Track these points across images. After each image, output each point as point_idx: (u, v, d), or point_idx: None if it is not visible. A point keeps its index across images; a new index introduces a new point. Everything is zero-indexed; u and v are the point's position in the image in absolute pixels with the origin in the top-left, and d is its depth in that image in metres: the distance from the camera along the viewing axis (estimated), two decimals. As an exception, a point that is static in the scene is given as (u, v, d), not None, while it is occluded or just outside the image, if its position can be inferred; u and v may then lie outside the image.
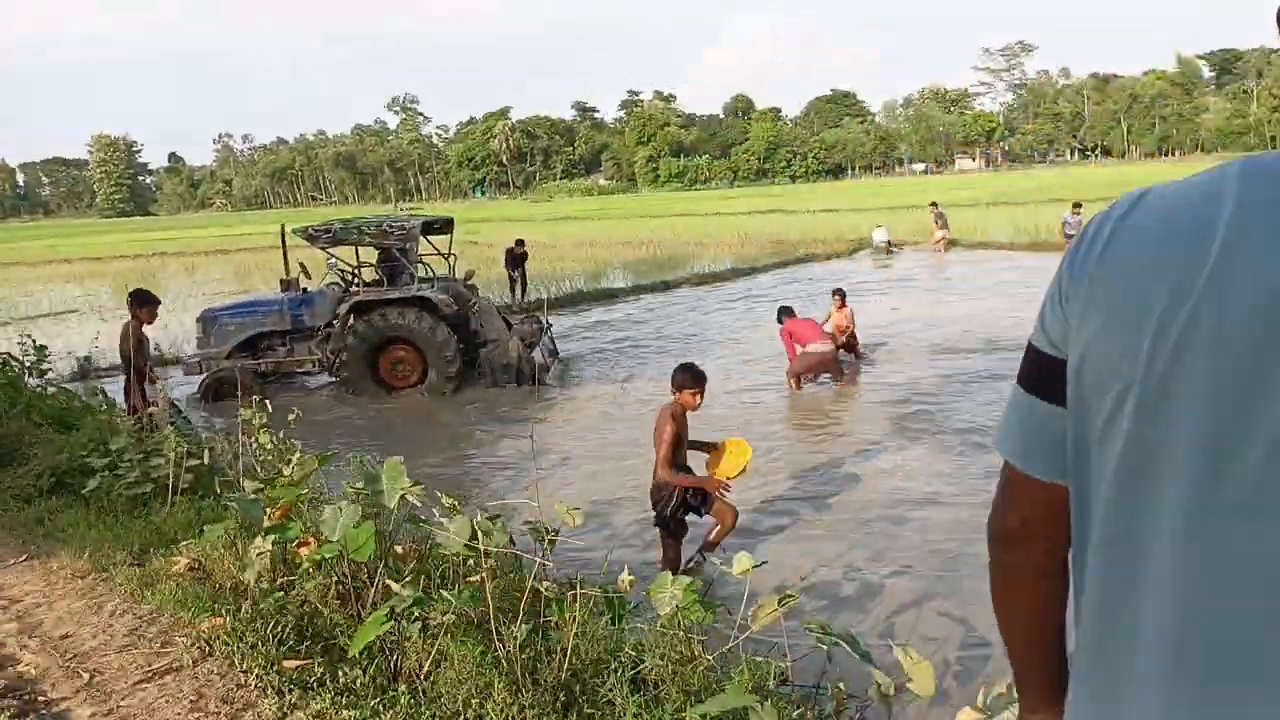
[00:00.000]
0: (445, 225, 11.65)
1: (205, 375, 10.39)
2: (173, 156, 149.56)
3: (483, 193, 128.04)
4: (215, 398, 9.96)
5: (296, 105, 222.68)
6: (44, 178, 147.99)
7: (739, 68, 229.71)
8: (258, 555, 3.63)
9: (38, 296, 22.83)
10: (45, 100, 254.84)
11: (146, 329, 6.69)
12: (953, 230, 25.36)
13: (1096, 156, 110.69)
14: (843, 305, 10.43)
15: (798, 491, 6.35)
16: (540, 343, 11.04)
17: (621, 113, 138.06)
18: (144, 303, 6.64)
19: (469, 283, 11.51)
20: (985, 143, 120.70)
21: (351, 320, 10.09)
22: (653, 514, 4.95)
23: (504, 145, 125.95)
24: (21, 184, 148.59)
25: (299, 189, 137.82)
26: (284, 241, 11.11)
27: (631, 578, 3.32)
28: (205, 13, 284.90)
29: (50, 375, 8.75)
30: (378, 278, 10.45)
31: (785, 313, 9.81)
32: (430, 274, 11.10)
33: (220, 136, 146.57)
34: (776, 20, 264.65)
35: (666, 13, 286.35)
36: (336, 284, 10.93)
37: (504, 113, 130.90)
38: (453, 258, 11.71)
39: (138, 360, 6.45)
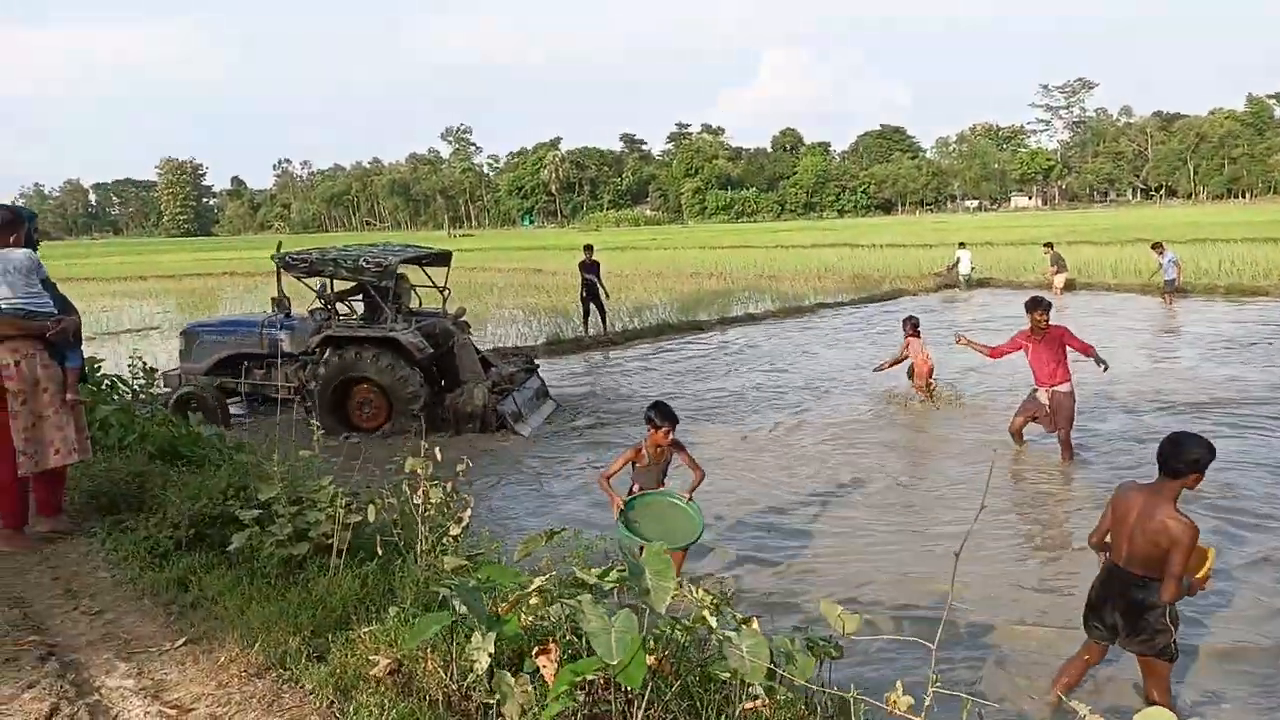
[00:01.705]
0: (442, 258, 11.28)
1: (176, 389, 10.21)
2: (235, 180, 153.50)
3: (531, 221, 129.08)
4: (180, 412, 9.43)
5: (356, 134, 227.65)
6: (114, 197, 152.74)
7: (787, 101, 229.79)
8: (478, 663, 2.89)
9: (116, 313, 22.84)
10: (118, 124, 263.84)
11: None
12: (1031, 266, 24.44)
13: (1161, 197, 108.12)
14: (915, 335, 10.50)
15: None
16: (520, 389, 10.47)
17: (669, 145, 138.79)
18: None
19: (460, 319, 11.06)
20: (1043, 181, 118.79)
21: (321, 354, 9.82)
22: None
23: (553, 175, 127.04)
24: (94, 203, 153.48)
25: (354, 214, 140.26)
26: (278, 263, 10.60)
27: (908, 699, 2.52)
28: (270, 46, 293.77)
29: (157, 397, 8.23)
30: (360, 311, 10.26)
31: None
32: (419, 306, 11.01)
33: (280, 162, 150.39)
34: (825, 55, 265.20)
35: (714, 46, 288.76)
36: (320, 311, 10.49)
37: (554, 143, 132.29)
38: (447, 291, 11.32)
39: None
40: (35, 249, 4.70)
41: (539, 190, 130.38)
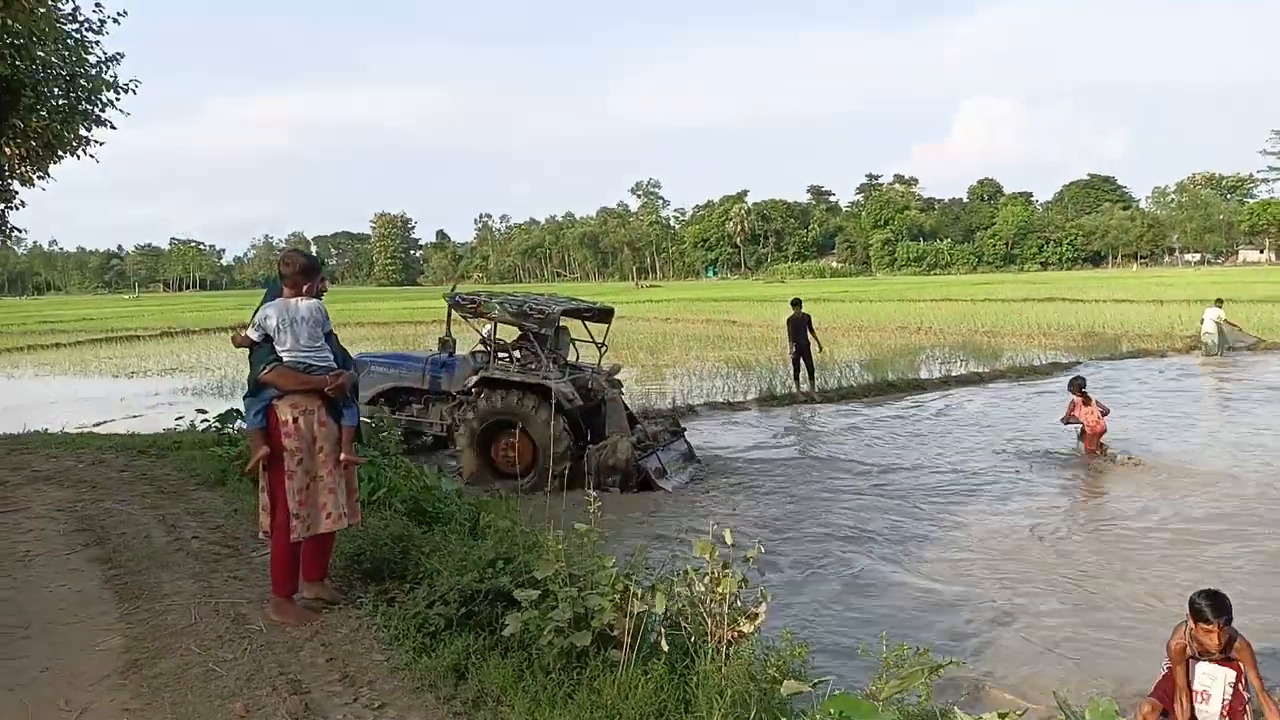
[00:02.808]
0: (603, 314, 11.15)
1: None
2: (440, 234, 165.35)
3: (714, 272, 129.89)
4: None
5: (551, 189, 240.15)
6: (332, 249, 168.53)
7: (985, 153, 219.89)
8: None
9: (340, 358, 24.30)
10: (339, 181, 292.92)
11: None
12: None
13: None
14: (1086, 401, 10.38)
15: None
16: (665, 448, 10.22)
17: (858, 196, 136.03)
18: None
19: (613, 376, 10.88)
20: (1277, 234, 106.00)
21: (476, 395, 9.88)
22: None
23: (739, 227, 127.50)
24: (315, 254, 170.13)
25: (546, 265, 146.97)
26: (449, 302, 10.79)
27: None
28: (477, 106, 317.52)
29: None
30: (520, 357, 10.33)
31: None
32: (576, 360, 11.08)
33: (481, 216, 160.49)
34: (1030, 104, 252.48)
35: (907, 95, 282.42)
36: (480, 353, 10.63)
37: (740, 196, 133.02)
38: (605, 348, 11.12)
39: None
40: (320, 298, 4.54)
41: (723, 242, 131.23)
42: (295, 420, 4.11)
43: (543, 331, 9.87)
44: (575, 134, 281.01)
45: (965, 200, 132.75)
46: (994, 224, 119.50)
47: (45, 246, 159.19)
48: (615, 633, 3.93)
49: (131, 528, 5.62)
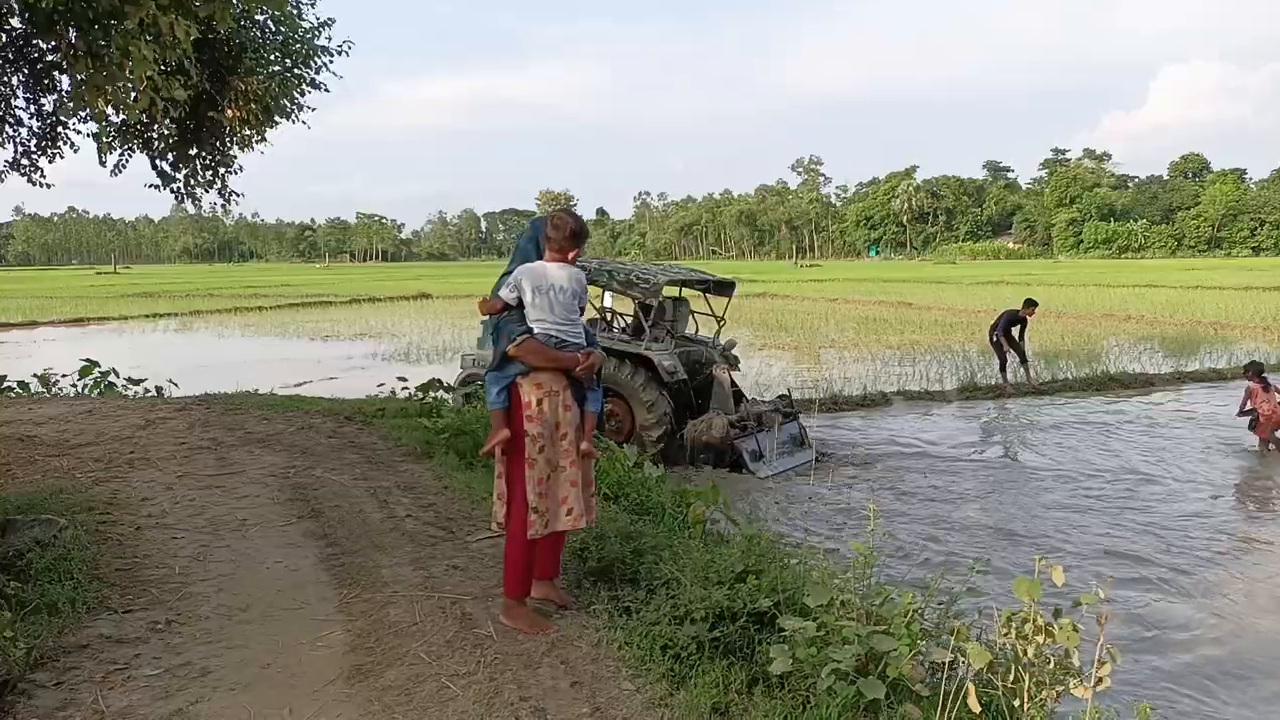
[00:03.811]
0: (722, 288, 10.95)
1: (465, 371, 10.74)
2: (600, 211, 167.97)
3: (876, 252, 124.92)
4: (463, 392, 9.69)
5: (710, 167, 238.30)
6: (500, 225, 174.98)
7: (1188, 125, 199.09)
8: None
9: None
10: (506, 159, 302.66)
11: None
12: None
13: None
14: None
15: None
16: (769, 430, 9.70)
17: (1042, 172, 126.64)
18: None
19: (728, 351, 10.72)
20: None
21: None
22: None
23: (906, 205, 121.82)
24: (484, 229, 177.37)
25: (702, 242, 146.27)
26: None
27: None
28: (641, 83, 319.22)
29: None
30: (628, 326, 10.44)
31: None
32: (695, 333, 10.98)
33: (640, 194, 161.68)
34: (1245, 69, 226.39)
35: (1097, 60, 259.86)
36: (599, 323, 10.78)
37: (909, 172, 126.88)
38: (723, 322, 10.99)
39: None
40: None
41: (888, 220, 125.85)
42: (540, 402, 3.58)
43: (648, 302, 9.79)
44: (734, 109, 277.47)
45: (1165, 177, 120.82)
46: (1198, 204, 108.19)
47: (249, 218, 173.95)
48: (915, 686, 3.20)
49: (345, 501, 5.38)
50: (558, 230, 3.65)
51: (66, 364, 11.30)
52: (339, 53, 7.73)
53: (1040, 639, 3.11)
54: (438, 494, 5.58)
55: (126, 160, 7.86)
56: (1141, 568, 6.28)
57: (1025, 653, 3.14)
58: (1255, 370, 10.15)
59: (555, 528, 3.68)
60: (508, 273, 3.75)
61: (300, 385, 15.17)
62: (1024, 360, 14.21)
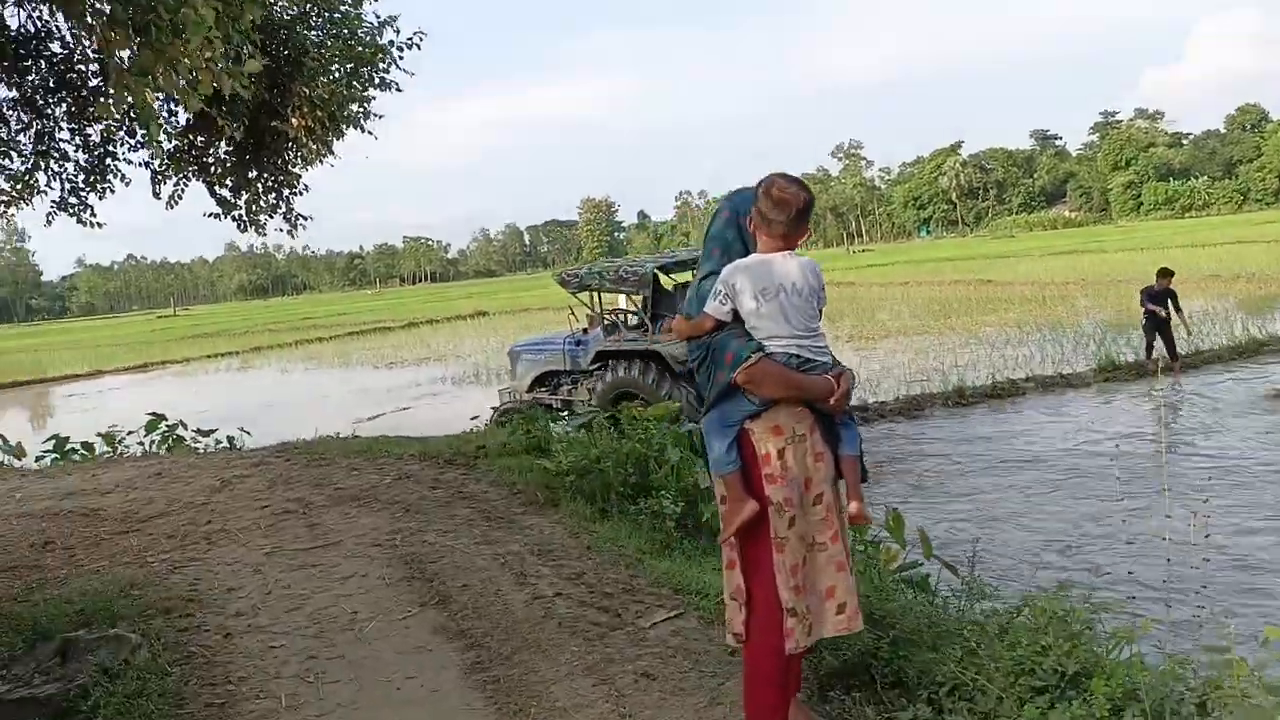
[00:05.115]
0: None
1: (504, 403, 11.07)
2: (641, 214, 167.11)
3: (928, 232, 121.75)
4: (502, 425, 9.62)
5: (747, 161, 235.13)
6: (544, 237, 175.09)
7: (1238, 74, 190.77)
8: None
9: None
10: (544, 172, 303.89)
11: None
12: None
13: None
14: None
15: None
16: None
17: (1093, 136, 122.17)
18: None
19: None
20: None
21: (601, 369, 10.01)
22: None
23: (954, 182, 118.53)
24: (528, 243, 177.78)
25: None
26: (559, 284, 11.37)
27: None
28: (665, 85, 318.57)
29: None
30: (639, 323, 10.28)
31: None
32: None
33: (680, 194, 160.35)
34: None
35: (1133, 16, 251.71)
36: (608, 327, 10.80)
37: (955, 148, 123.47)
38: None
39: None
40: None
41: (937, 199, 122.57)
42: (781, 454, 2.47)
43: (640, 294, 9.73)
44: (766, 103, 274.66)
45: (1222, 131, 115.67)
46: (1260, 155, 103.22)
47: (300, 251, 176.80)
48: None
49: (473, 577, 4.32)
50: (780, 207, 2.51)
51: (131, 415, 10.59)
52: (409, 46, 6.75)
53: None
54: (580, 557, 4.51)
55: (183, 190, 7.04)
56: None
57: None
58: None
59: (822, 634, 2.57)
60: (710, 274, 2.62)
61: (375, 418, 14.36)
62: (1171, 343, 12.50)
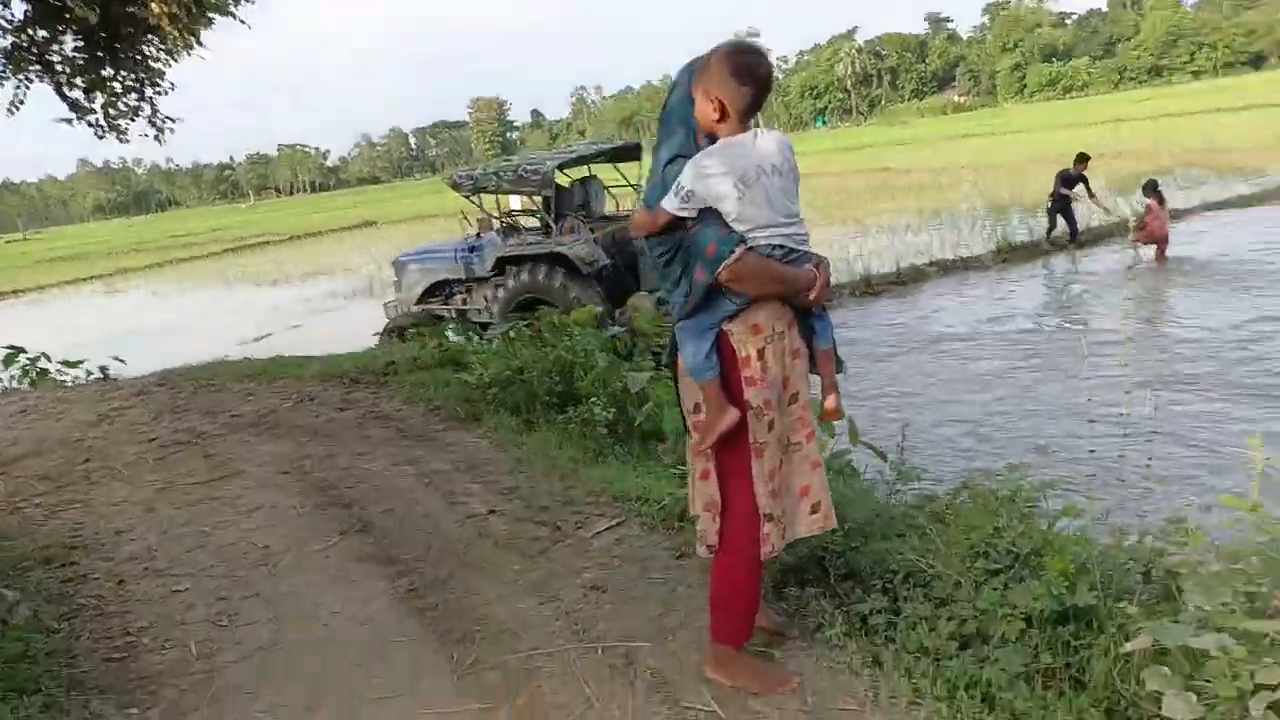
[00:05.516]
0: (628, 151, 10.37)
1: (392, 318, 10.57)
2: (534, 113, 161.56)
3: (824, 122, 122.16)
4: (401, 340, 9.25)
5: (647, 54, 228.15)
6: (431, 140, 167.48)
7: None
8: None
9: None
10: (432, 71, 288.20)
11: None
12: None
13: None
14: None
15: None
16: None
17: (984, 18, 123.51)
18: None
19: None
20: None
21: (501, 275, 9.62)
22: None
23: (849, 69, 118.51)
24: (414, 146, 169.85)
25: (646, 134, 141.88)
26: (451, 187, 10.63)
27: None
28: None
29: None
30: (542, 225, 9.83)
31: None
32: (617, 210, 10.57)
33: (576, 90, 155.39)
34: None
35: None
36: (505, 231, 10.36)
37: (850, 35, 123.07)
38: (640, 190, 9.61)
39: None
40: None
41: (833, 88, 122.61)
42: (761, 354, 2.24)
43: (544, 193, 9.30)
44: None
45: (1105, 10, 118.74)
46: (1138, 33, 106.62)
47: (163, 165, 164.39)
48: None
49: (396, 500, 4.04)
50: (750, 78, 2.12)
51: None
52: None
53: None
54: (511, 472, 4.26)
55: (24, 94, 6.18)
56: None
57: None
58: (1153, 186, 10.76)
59: (795, 535, 2.41)
60: (677, 156, 2.27)
61: (263, 338, 13.59)
62: (1073, 223, 12.82)
